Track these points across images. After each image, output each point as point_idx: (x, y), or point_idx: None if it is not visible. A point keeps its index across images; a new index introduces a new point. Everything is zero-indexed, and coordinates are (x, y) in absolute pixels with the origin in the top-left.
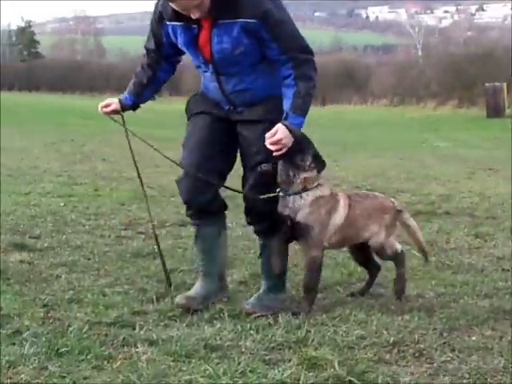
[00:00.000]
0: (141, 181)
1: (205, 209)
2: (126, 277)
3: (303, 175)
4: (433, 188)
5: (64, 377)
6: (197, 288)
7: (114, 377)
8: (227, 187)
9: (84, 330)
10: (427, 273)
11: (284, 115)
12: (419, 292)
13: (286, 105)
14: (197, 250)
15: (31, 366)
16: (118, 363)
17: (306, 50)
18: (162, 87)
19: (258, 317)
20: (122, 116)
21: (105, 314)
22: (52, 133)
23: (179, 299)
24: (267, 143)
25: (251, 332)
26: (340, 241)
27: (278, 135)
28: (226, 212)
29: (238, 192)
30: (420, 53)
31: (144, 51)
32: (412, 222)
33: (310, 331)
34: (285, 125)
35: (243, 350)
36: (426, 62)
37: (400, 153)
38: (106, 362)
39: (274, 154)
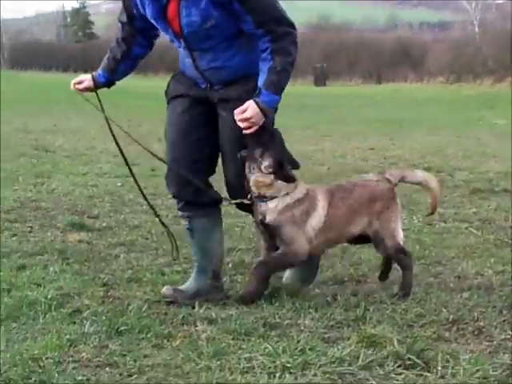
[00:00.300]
0: (124, 157)
1: (193, 201)
2: (184, 256)
3: (255, 176)
4: (490, 166)
5: (124, 355)
6: (188, 283)
7: (174, 355)
8: (210, 189)
9: (144, 309)
10: (486, 251)
11: (257, 91)
12: (478, 270)
13: (260, 80)
14: (191, 244)
15: (92, 345)
16: (178, 341)
17: (286, 23)
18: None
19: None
20: (97, 94)
21: None
22: (108, 113)
23: (166, 290)
24: (236, 119)
25: (310, 310)
26: (325, 242)
27: (247, 113)
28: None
29: (228, 201)
30: (477, 29)
31: (119, 25)
32: (421, 175)
33: (368, 309)
34: (256, 102)
35: (302, 328)
36: (483, 38)
37: (457, 130)
38: (165, 341)
39: (244, 132)
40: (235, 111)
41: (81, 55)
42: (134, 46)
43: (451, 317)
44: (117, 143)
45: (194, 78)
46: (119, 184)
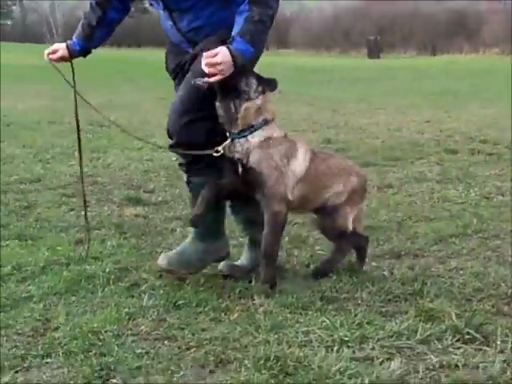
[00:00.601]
0: (79, 138)
1: None
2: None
3: (245, 105)
4: None
5: (183, 328)
6: (243, 257)
7: (232, 328)
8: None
9: (201, 283)
10: None
11: (230, 39)
12: None
13: (235, 30)
14: (235, 221)
15: (150, 318)
16: (236, 315)
17: None
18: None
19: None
20: (71, 64)
21: None
22: (162, 88)
23: (222, 266)
24: (203, 63)
25: (367, 284)
26: (300, 198)
27: (217, 58)
28: None
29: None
30: None
31: None
32: None
33: (426, 283)
34: (229, 49)
35: (359, 301)
36: None
37: None
38: (223, 314)
39: (207, 79)
40: (204, 53)
41: (133, 30)
42: (110, 11)
43: (510, 291)
44: (77, 120)
45: (179, 44)
46: (174, 158)
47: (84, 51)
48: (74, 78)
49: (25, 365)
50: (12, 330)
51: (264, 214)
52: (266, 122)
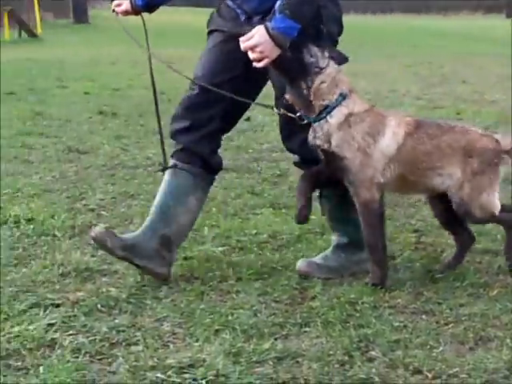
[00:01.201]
0: (155, 95)
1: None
2: None
3: (317, 80)
4: None
5: (440, 303)
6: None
7: (491, 305)
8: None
9: None
10: None
11: (270, 15)
12: None
13: (277, 3)
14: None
15: (406, 291)
16: (495, 291)
17: None
18: None
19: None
20: (142, 18)
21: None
22: (408, 55)
23: (300, 265)
24: (242, 47)
25: None
26: (399, 179)
27: (252, 41)
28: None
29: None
30: None
31: None
32: None
33: None
34: (266, 28)
35: None
36: None
37: None
38: (481, 290)
39: (254, 64)
40: (240, 38)
41: None
42: None
43: None
44: (151, 75)
45: (233, 8)
46: None
47: (147, 6)
48: (146, 33)
49: (283, 332)
50: (270, 297)
51: (355, 204)
52: (343, 97)
